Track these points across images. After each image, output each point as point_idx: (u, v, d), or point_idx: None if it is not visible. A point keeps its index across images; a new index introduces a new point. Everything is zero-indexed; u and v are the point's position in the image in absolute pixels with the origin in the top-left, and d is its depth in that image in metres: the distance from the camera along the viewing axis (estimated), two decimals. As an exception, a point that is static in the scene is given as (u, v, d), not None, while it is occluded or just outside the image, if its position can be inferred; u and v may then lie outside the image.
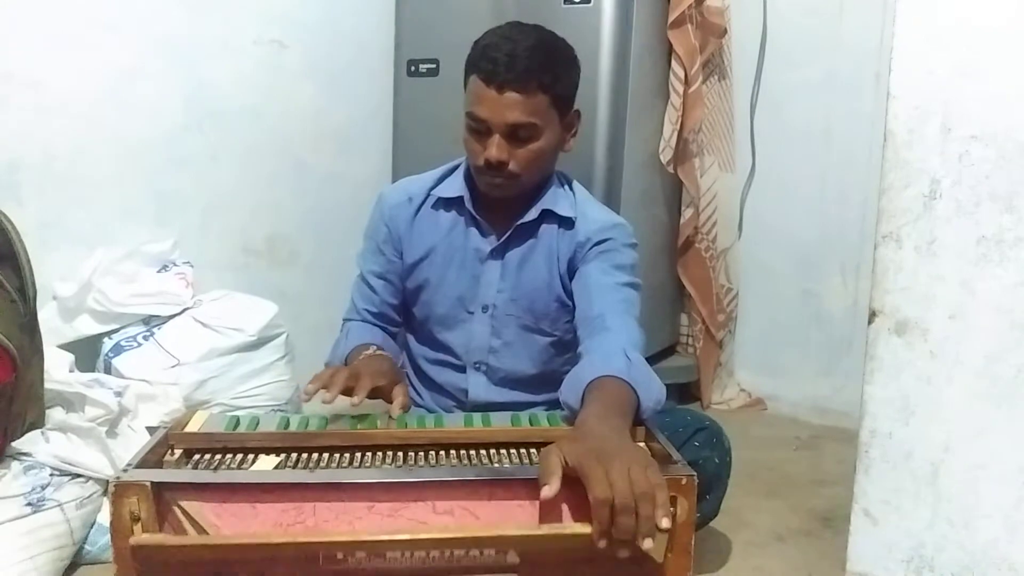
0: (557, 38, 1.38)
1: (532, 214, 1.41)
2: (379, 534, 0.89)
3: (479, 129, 1.33)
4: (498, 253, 1.43)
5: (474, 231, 1.44)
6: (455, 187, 1.44)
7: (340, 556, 0.89)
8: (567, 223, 1.42)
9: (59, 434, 1.52)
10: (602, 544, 0.86)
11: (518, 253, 1.43)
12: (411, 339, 1.54)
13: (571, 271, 1.42)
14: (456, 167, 1.48)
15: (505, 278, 1.43)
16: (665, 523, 0.85)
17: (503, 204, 1.41)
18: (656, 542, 0.86)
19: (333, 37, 2.37)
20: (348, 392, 1.15)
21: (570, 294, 1.42)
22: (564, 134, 1.40)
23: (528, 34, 1.33)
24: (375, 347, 1.37)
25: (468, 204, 1.42)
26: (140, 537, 0.87)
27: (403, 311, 1.53)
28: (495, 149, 1.31)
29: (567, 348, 1.46)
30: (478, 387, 1.47)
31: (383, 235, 1.47)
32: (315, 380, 1.16)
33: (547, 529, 0.90)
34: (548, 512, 0.92)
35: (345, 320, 1.53)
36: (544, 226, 1.43)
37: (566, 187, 1.47)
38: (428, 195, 1.46)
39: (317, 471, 1.03)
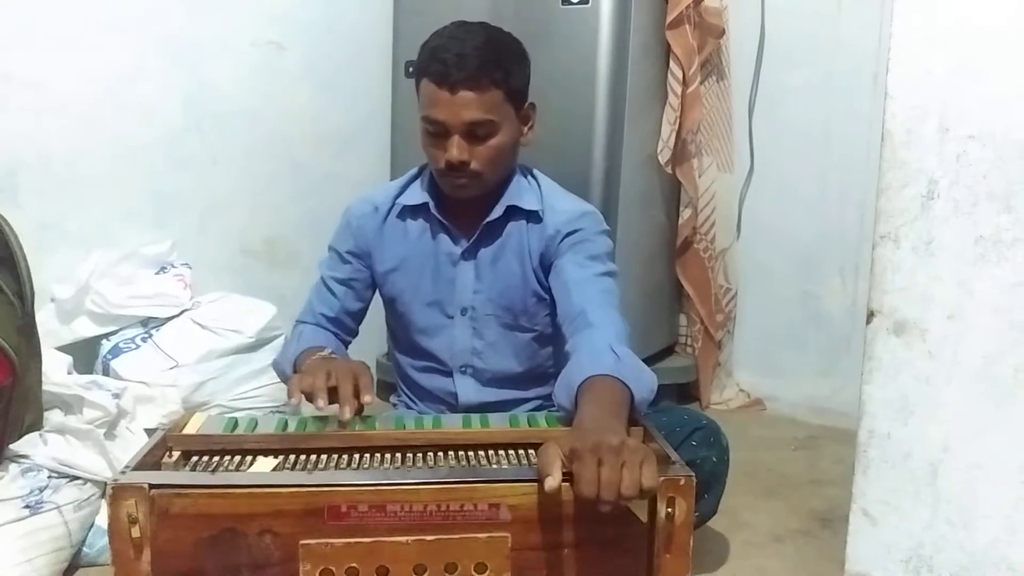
0: (504, 33, 1.38)
1: (497, 211, 1.40)
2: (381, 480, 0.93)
3: (437, 132, 1.32)
4: (470, 254, 1.42)
5: (443, 236, 1.43)
6: (418, 194, 1.43)
7: (344, 510, 0.90)
8: (534, 217, 1.41)
9: (57, 436, 1.52)
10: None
11: (489, 252, 1.42)
12: (396, 350, 1.54)
13: (545, 266, 1.40)
14: (418, 174, 1.47)
15: (480, 279, 1.42)
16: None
17: (469, 205, 1.40)
18: (639, 506, 0.90)
19: (331, 38, 2.37)
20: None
21: (546, 288, 1.41)
22: (521, 127, 1.39)
23: (475, 32, 1.33)
24: (329, 350, 1.34)
25: (434, 210, 1.41)
26: (158, 473, 0.88)
27: (360, 320, 1.51)
28: (455, 150, 1.31)
29: (549, 341, 1.45)
30: (467, 390, 1.47)
31: (349, 245, 1.47)
32: (292, 393, 1.15)
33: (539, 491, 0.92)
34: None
35: (298, 322, 1.51)
36: (511, 223, 1.41)
37: (529, 178, 1.46)
38: (393, 204, 1.45)
39: (315, 473, 1.03)
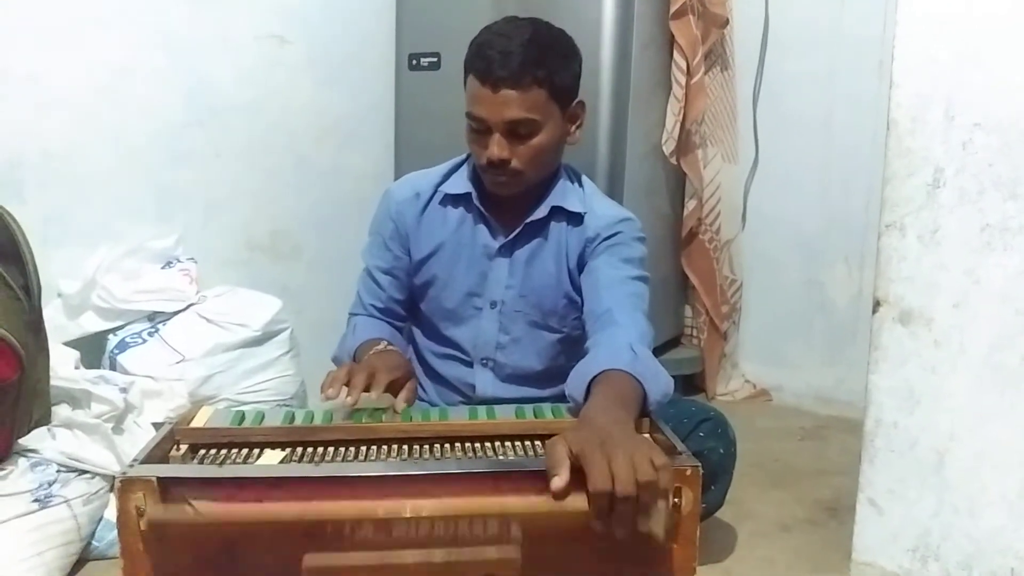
0: (554, 30, 1.37)
1: (541, 211, 1.40)
2: (383, 509, 0.90)
3: (479, 129, 1.33)
4: (506, 250, 1.42)
5: (482, 228, 1.43)
6: (462, 183, 1.44)
7: (348, 530, 0.89)
8: (576, 219, 1.41)
9: (65, 431, 1.52)
10: (599, 528, 0.86)
11: (526, 251, 1.42)
12: (418, 333, 1.54)
13: (580, 267, 1.41)
14: (463, 162, 1.48)
15: (513, 275, 1.43)
16: (662, 504, 0.86)
17: (511, 201, 1.40)
18: (656, 522, 0.87)
19: (334, 31, 2.37)
20: (365, 389, 1.16)
21: (579, 290, 1.41)
22: (567, 126, 1.39)
23: (523, 29, 1.32)
24: (385, 342, 1.37)
25: (476, 201, 1.42)
26: (152, 511, 0.88)
27: (410, 306, 1.53)
28: (496, 148, 1.31)
29: (575, 344, 1.45)
30: (485, 383, 1.47)
31: (390, 231, 1.47)
32: (333, 382, 1.15)
33: (549, 504, 0.90)
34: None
35: (351, 315, 1.52)
36: (553, 223, 1.42)
37: (575, 182, 1.46)
38: (435, 191, 1.45)
39: (322, 465, 1.04)
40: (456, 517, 0.90)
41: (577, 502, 0.88)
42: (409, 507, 0.89)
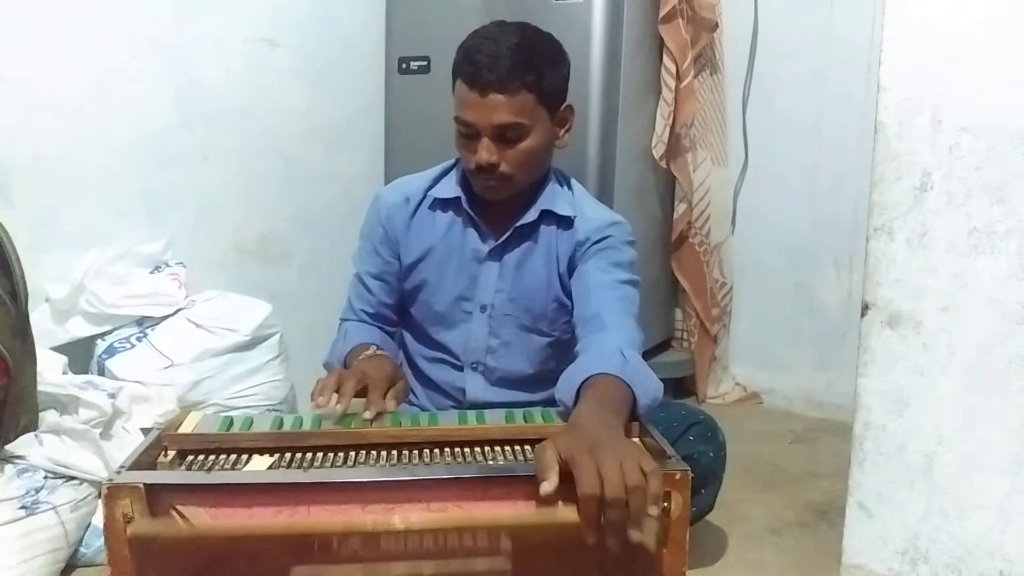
0: (541, 34, 1.37)
1: (531, 215, 1.40)
2: (371, 522, 0.90)
3: (468, 133, 1.33)
4: (496, 254, 1.42)
5: (472, 232, 1.43)
6: (451, 188, 1.44)
7: (335, 544, 0.89)
8: (566, 222, 1.41)
9: (53, 437, 1.51)
10: (590, 538, 0.86)
11: (516, 254, 1.42)
12: (408, 338, 1.54)
13: (570, 270, 1.41)
14: (452, 166, 1.47)
15: (503, 279, 1.43)
16: (654, 511, 0.85)
17: (501, 205, 1.40)
18: (648, 531, 0.86)
19: (323, 35, 2.37)
20: (356, 395, 1.16)
21: (569, 294, 1.41)
22: (556, 130, 1.39)
23: (511, 33, 1.32)
24: (375, 347, 1.36)
25: (465, 205, 1.42)
26: (137, 524, 0.87)
27: (400, 310, 1.52)
28: (484, 152, 1.31)
29: (565, 348, 1.45)
30: (476, 387, 1.47)
31: (379, 236, 1.47)
32: (323, 390, 1.15)
33: (538, 516, 0.90)
34: (545, 507, 0.92)
35: (342, 320, 1.52)
36: (543, 227, 1.42)
37: (564, 186, 1.46)
38: (425, 195, 1.45)
39: (311, 471, 1.03)
40: (445, 530, 0.89)
41: (567, 512, 0.88)
42: (398, 515, 0.89)
